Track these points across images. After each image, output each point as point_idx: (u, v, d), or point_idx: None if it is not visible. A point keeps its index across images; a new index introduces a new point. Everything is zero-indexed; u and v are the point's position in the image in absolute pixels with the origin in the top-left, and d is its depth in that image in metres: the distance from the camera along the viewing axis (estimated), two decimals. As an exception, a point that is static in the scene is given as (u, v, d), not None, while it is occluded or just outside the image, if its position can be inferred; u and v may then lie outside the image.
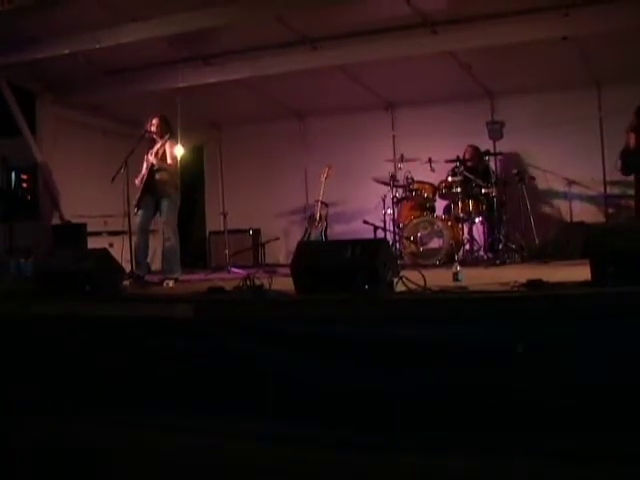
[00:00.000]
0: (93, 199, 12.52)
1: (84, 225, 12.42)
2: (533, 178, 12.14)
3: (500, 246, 11.01)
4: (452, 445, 4.83)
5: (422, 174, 11.77)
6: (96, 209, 12.69)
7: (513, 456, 4.59)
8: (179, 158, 9.80)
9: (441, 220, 11.04)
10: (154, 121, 9.85)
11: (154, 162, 9.65)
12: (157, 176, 9.67)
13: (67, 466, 4.96)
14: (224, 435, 5.37)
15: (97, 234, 12.79)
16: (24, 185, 13.00)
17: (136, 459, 5.06)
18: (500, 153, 11.85)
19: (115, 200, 10.45)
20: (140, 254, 9.67)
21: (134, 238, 9.70)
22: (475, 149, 11.89)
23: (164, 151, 9.70)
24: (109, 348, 6.48)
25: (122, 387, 6.20)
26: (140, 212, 9.72)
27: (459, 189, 11.10)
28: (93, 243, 12.04)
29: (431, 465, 4.65)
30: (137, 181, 9.76)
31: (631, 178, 10.61)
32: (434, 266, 10.36)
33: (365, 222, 11.13)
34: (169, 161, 9.69)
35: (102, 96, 12.76)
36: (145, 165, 9.82)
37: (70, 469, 4.91)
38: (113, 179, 9.58)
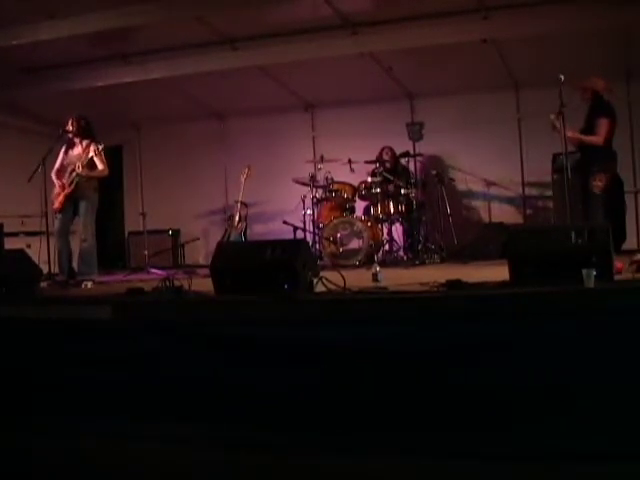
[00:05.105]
0: (9, 199, 12.25)
1: (0, 225, 12.20)
2: (452, 179, 12.31)
3: (419, 246, 11.11)
4: (375, 446, 4.83)
5: (342, 175, 11.80)
6: (12, 209, 12.44)
7: (436, 456, 4.62)
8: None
9: (361, 221, 11.05)
10: (71, 120, 9.71)
11: (81, 173, 9.43)
12: (76, 179, 9.51)
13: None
14: (144, 439, 5.31)
15: (14, 235, 12.54)
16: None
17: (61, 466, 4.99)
18: (419, 154, 11.93)
19: (32, 200, 10.22)
20: (63, 259, 9.51)
21: (54, 242, 9.54)
22: (391, 150, 11.96)
23: (89, 158, 9.51)
24: (26, 351, 6.37)
25: (40, 391, 6.09)
26: (59, 216, 9.57)
27: (378, 190, 11.13)
28: (9, 244, 11.83)
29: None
30: (57, 189, 9.59)
31: (549, 179, 10.80)
32: (354, 267, 10.39)
33: (285, 222, 11.13)
34: (100, 167, 9.56)
35: (17, 94, 12.53)
36: (58, 165, 9.70)
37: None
38: (30, 179, 9.41)
